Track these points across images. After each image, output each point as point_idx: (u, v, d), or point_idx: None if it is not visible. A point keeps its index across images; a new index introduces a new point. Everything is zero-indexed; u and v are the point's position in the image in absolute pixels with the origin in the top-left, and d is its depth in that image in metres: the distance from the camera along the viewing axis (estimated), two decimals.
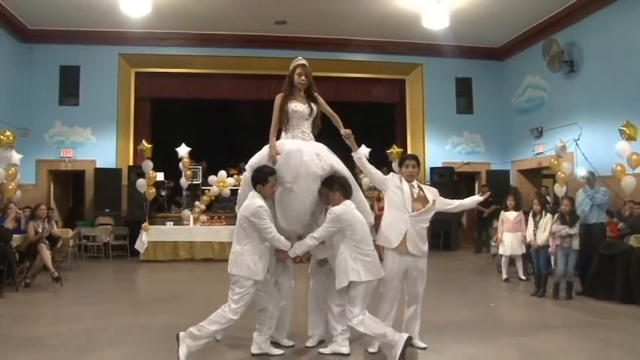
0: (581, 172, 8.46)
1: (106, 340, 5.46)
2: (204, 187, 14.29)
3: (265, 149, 5.07)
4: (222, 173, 13.66)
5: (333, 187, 4.87)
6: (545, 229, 8.03)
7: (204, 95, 15.48)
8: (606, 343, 5.40)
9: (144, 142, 12.73)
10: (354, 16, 13.28)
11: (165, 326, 5.92)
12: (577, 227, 7.65)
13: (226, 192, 13.63)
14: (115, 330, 5.85)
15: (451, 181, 14.66)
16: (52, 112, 14.07)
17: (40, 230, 8.95)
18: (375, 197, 12.63)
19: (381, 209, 11.68)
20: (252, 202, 4.69)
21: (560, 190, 11.12)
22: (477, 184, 15.80)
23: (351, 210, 4.81)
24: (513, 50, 15.25)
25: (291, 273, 5.25)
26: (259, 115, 15.57)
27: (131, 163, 14.25)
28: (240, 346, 5.04)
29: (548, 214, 8.19)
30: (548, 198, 11.99)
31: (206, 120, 15.74)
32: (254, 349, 4.89)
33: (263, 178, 4.76)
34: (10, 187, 11.08)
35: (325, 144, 5.34)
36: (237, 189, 13.22)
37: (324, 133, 5.44)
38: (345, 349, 4.92)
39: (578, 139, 12.14)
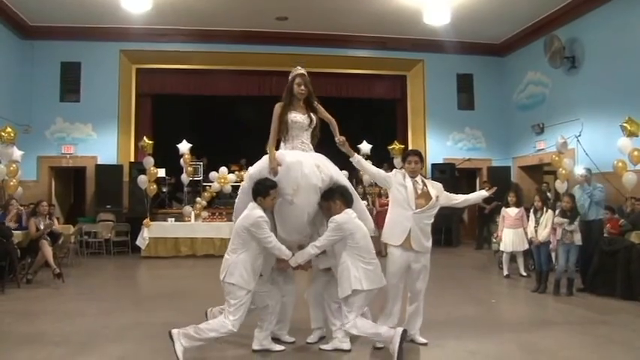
0: (579, 170, 8.43)
1: (107, 336, 5.47)
2: (205, 184, 14.30)
3: (265, 159, 5.05)
4: (223, 169, 13.66)
5: (333, 197, 4.88)
6: (546, 226, 8.04)
7: (205, 91, 15.50)
8: (607, 340, 5.40)
9: (145, 138, 12.72)
10: (355, 12, 13.25)
11: (166, 323, 5.91)
12: (577, 223, 7.66)
13: (227, 188, 13.64)
14: (116, 326, 5.86)
15: (452, 177, 14.65)
16: (53, 108, 14.07)
17: (42, 227, 8.96)
18: (376, 194, 12.65)
19: (382, 205, 11.77)
20: (252, 212, 4.70)
21: (561, 186, 11.11)
22: (478, 181, 15.80)
23: (352, 219, 4.83)
24: (515, 46, 15.22)
25: (291, 272, 5.24)
26: (260, 111, 15.58)
27: (132, 160, 14.25)
28: (241, 342, 5.04)
29: (549, 211, 8.19)
30: (549, 194, 11.99)
31: (207, 116, 15.74)
32: (255, 346, 4.89)
33: (264, 191, 4.77)
34: (12, 183, 11.10)
35: (326, 148, 5.30)
36: (239, 185, 13.35)
37: (325, 138, 5.40)
38: (346, 345, 4.93)
39: (580, 136, 12.11)
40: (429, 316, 5.41)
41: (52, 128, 14.09)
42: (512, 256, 9.45)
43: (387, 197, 5.81)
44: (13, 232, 8.54)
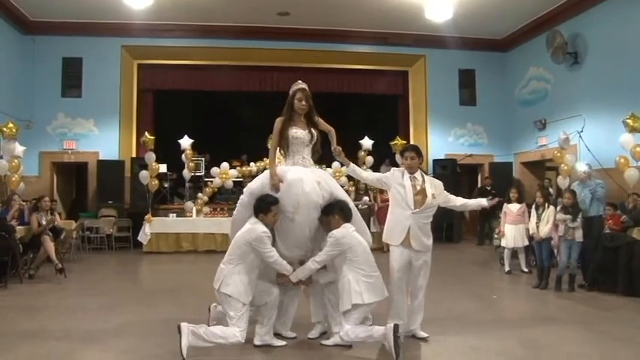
0: (581, 166, 8.39)
1: (109, 331, 5.48)
2: (206, 179, 14.30)
3: (266, 175, 5.06)
4: (225, 165, 13.66)
5: (333, 212, 4.91)
6: (547, 222, 8.03)
7: (206, 87, 15.49)
8: (608, 336, 5.40)
9: (146, 133, 12.72)
10: (357, 8, 13.24)
11: (168, 318, 5.93)
12: (579, 220, 7.65)
13: (229, 184, 13.64)
14: (118, 321, 5.87)
15: (454, 173, 14.66)
16: (55, 103, 14.08)
17: (44, 222, 8.98)
18: (378, 190, 12.65)
19: (384, 201, 11.77)
20: (255, 227, 4.74)
21: (562, 182, 11.10)
22: (479, 177, 15.79)
23: (350, 233, 4.86)
24: (517, 42, 15.19)
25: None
26: (262, 106, 15.69)
27: (134, 155, 14.26)
28: None
29: (551, 207, 8.18)
30: (550, 190, 11.98)
31: (208, 112, 15.74)
32: (257, 341, 4.90)
33: (266, 207, 4.80)
34: (14, 179, 11.13)
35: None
36: (240, 181, 13.41)
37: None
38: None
39: (582, 131, 12.10)
40: (430, 311, 5.41)
41: (54, 124, 14.10)
42: (514, 252, 9.45)
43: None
44: (15, 227, 8.56)
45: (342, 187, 11.88)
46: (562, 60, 12.75)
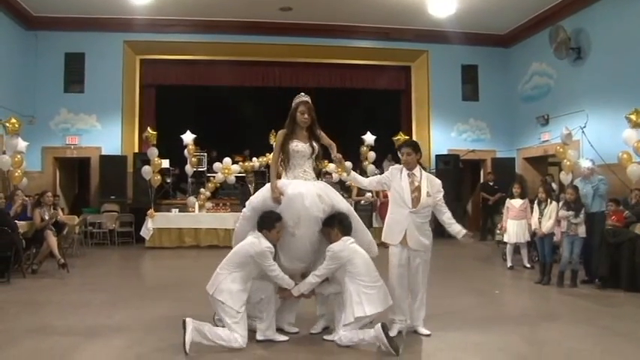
0: (584, 163, 8.33)
1: (111, 326, 5.49)
2: (209, 174, 14.31)
3: (267, 189, 5.06)
4: (227, 160, 13.66)
5: (331, 225, 4.93)
6: (550, 217, 8.03)
7: (209, 82, 15.48)
8: (610, 331, 5.40)
9: (149, 129, 12.73)
10: (359, 3, 13.22)
11: (170, 313, 5.96)
12: (582, 216, 7.65)
13: (231, 179, 13.64)
14: (120, 316, 5.88)
15: (456, 168, 14.64)
16: (58, 99, 14.10)
17: (46, 217, 9.00)
18: None
19: (386, 196, 11.73)
20: (260, 241, 4.77)
21: (565, 178, 11.09)
22: (482, 172, 15.77)
23: (348, 246, 4.86)
24: (520, 37, 15.14)
25: None
26: (264, 102, 15.66)
27: (136, 150, 14.26)
28: None
29: (554, 202, 8.19)
30: (554, 185, 11.96)
31: (211, 107, 15.75)
32: (259, 336, 4.91)
33: (270, 224, 4.83)
34: (17, 174, 11.16)
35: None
36: (243, 176, 13.42)
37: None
38: None
39: (585, 127, 12.08)
40: (432, 307, 5.42)
41: (57, 119, 14.12)
42: (516, 248, 9.44)
43: None
44: (18, 222, 8.57)
45: (344, 182, 12.00)
46: (565, 55, 12.71)
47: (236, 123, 15.65)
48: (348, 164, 11.94)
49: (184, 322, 4.61)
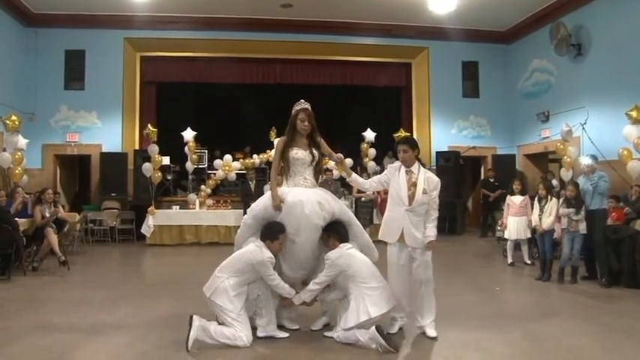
0: (584, 160, 8.23)
1: (113, 323, 5.50)
2: (209, 171, 14.32)
3: (267, 196, 5.07)
4: (228, 157, 13.67)
5: (329, 233, 4.95)
6: (550, 214, 8.04)
7: (209, 79, 15.48)
8: (610, 328, 5.41)
9: (149, 126, 12.73)
10: (360, 0, 13.18)
11: (171, 310, 5.98)
12: (583, 212, 7.64)
13: (232, 176, 13.65)
14: (121, 314, 5.89)
15: (457, 165, 14.63)
16: (58, 96, 14.09)
17: (47, 215, 9.00)
18: None
19: (387, 193, 11.74)
20: (262, 251, 4.80)
21: (566, 174, 11.08)
22: (482, 169, 15.76)
23: (345, 252, 4.87)
24: (520, 33, 15.12)
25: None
26: (265, 99, 15.65)
27: (137, 147, 14.27)
28: None
29: (554, 199, 8.19)
30: (554, 182, 11.94)
31: (211, 104, 15.74)
32: (259, 333, 4.93)
33: (273, 235, 4.86)
34: (17, 171, 11.17)
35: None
36: (243, 173, 13.42)
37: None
38: None
39: (585, 124, 12.07)
40: None
41: (57, 116, 14.12)
42: (517, 244, 9.45)
43: None
44: (18, 220, 8.58)
45: (344, 179, 11.99)
46: (565, 52, 12.69)
47: (236, 120, 15.65)
48: (349, 161, 11.93)
49: (191, 318, 4.65)
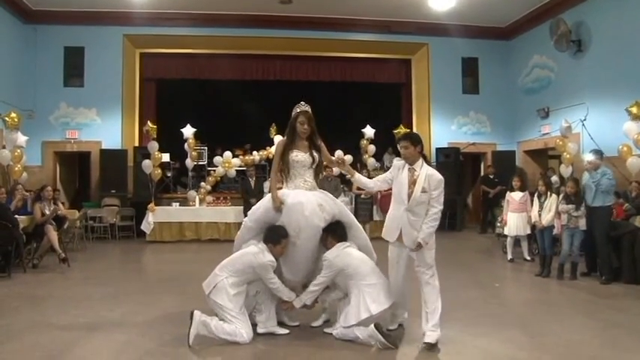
0: (587, 156, 8.10)
1: (113, 320, 5.51)
2: (209, 168, 14.32)
3: (268, 199, 5.07)
4: (228, 154, 13.67)
5: (328, 232, 4.97)
6: (550, 210, 8.04)
7: (209, 76, 15.48)
8: (610, 323, 5.41)
9: (149, 122, 12.72)
10: None
11: (172, 307, 5.99)
12: (583, 209, 7.64)
13: (232, 173, 13.65)
14: (121, 311, 5.89)
15: (457, 161, 14.63)
16: (57, 93, 14.07)
17: (47, 212, 9.01)
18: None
19: (386, 189, 11.74)
20: (264, 254, 4.81)
21: (565, 170, 11.08)
22: (482, 165, 15.76)
23: (342, 252, 4.88)
24: (520, 30, 15.10)
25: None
26: (264, 95, 15.62)
27: (137, 144, 14.25)
28: None
29: (554, 195, 8.19)
30: (555, 178, 11.93)
31: (211, 100, 15.75)
32: (260, 329, 4.94)
33: (276, 239, 4.87)
34: (17, 168, 11.16)
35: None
36: (243, 169, 13.42)
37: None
38: None
39: (585, 120, 12.07)
40: None
41: (56, 113, 14.09)
42: (517, 241, 9.45)
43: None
44: (18, 217, 8.59)
45: (344, 176, 11.96)
46: (566, 48, 12.68)
47: (236, 116, 15.64)
48: (348, 158, 11.94)
49: (192, 313, 4.68)
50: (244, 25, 14.53)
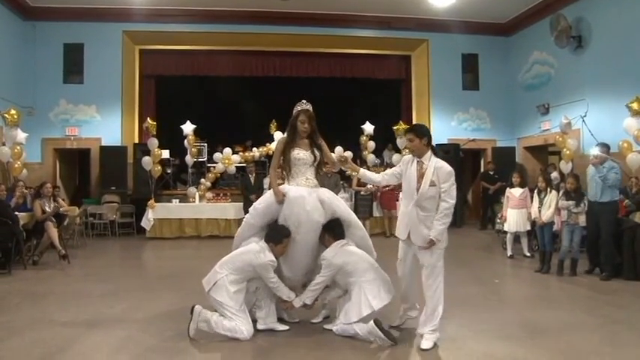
0: (592, 150, 7.83)
1: (113, 316, 5.52)
2: (209, 165, 14.32)
3: (269, 194, 5.07)
4: (228, 150, 13.67)
5: (325, 229, 4.96)
6: (550, 206, 8.03)
7: (208, 72, 15.45)
8: (610, 320, 5.42)
9: (149, 119, 12.71)
10: None
11: (172, 303, 6.00)
12: (583, 205, 7.64)
13: (231, 169, 13.65)
14: (121, 307, 5.90)
15: (456, 157, 14.60)
16: (57, 90, 14.04)
17: (47, 208, 9.02)
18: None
19: (385, 186, 11.77)
20: (265, 253, 4.81)
21: (565, 167, 11.08)
22: (482, 161, 15.75)
23: (340, 250, 4.88)
24: (520, 26, 15.07)
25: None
26: (264, 91, 15.61)
27: (136, 141, 14.23)
28: None
29: (553, 191, 8.19)
30: (556, 174, 11.91)
31: (211, 97, 15.73)
32: (259, 325, 4.95)
33: (278, 239, 4.87)
34: (16, 165, 11.15)
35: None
36: (243, 166, 13.42)
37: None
38: None
39: (585, 116, 12.06)
40: None
41: (56, 110, 14.06)
42: (516, 237, 9.45)
43: None
44: (18, 214, 8.59)
45: (344, 172, 11.98)
46: (566, 44, 12.65)
47: (236, 113, 15.63)
48: (348, 154, 11.93)
49: (193, 308, 4.71)
50: (244, 22, 14.50)
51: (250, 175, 12.51)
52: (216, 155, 13.67)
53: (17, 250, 8.17)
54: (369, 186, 12.08)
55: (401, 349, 4.53)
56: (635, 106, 9.57)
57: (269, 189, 5.20)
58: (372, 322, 4.59)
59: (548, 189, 8.24)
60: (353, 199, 12.16)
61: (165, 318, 5.37)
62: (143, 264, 10.06)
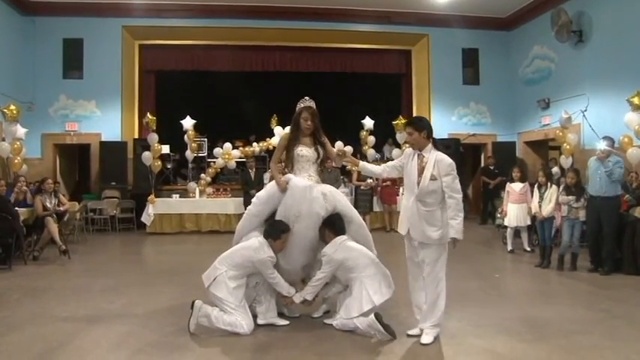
0: (599, 144, 7.66)
1: (113, 311, 5.52)
2: (209, 160, 14.31)
3: (272, 185, 5.07)
4: (228, 145, 13.66)
5: (325, 224, 4.94)
6: (550, 201, 8.03)
7: (208, 67, 15.44)
8: (609, 314, 5.42)
9: (148, 114, 12.69)
10: None
11: (172, 298, 6.00)
12: (583, 200, 7.63)
13: (232, 164, 13.64)
14: (122, 302, 5.91)
15: (457, 152, 14.59)
16: (56, 85, 14.03)
17: (49, 205, 9.03)
18: None
19: (384, 180, 11.78)
20: (264, 249, 4.81)
21: (565, 161, 11.07)
22: (482, 156, 15.75)
23: (340, 245, 4.86)
24: (521, 20, 15.04)
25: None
26: (265, 86, 15.58)
27: (136, 136, 14.24)
28: None
29: (554, 186, 8.18)
30: (556, 169, 11.90)
31: (211, 92, 15.70)
32: (260, 320, 4.96)
33: (276, 234, 4.86)
34: (16, 161, 11.14)
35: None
36: (243, 161, 13.41)
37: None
38: None
39: (586, 111, 12.04)
40: None
41: (56, 105, 14.06)
42: (517, 232, 9.45)
43: None
44: (18, 209, 8.59)
45: (344, 167, 11.97)
46: (566, 39, 12.62)
47: (236, 108, 15.61)
48: (348, 149, 11.93)
49: (193, 303, 4.72)
50: (243, 16, 14.48)
51: (250, 170, 12.50)
52: (217, 150, 13.66)
53: (17, 246, 8.19)
54: (369, 180, 12.08)
55: (401, 344, 4.52)
56: (635, 100, 9.55)
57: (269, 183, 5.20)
58: (372, 315, 4.59)
59: (549, 184, 8.23)
60: (353, 194, 12.16)
61: (166, 313, 5.38)
62: (143, 259, 10.06)
